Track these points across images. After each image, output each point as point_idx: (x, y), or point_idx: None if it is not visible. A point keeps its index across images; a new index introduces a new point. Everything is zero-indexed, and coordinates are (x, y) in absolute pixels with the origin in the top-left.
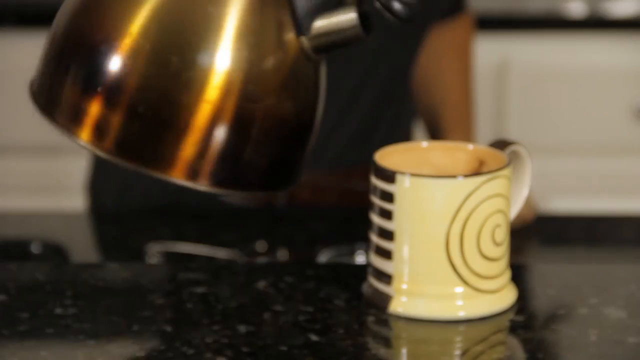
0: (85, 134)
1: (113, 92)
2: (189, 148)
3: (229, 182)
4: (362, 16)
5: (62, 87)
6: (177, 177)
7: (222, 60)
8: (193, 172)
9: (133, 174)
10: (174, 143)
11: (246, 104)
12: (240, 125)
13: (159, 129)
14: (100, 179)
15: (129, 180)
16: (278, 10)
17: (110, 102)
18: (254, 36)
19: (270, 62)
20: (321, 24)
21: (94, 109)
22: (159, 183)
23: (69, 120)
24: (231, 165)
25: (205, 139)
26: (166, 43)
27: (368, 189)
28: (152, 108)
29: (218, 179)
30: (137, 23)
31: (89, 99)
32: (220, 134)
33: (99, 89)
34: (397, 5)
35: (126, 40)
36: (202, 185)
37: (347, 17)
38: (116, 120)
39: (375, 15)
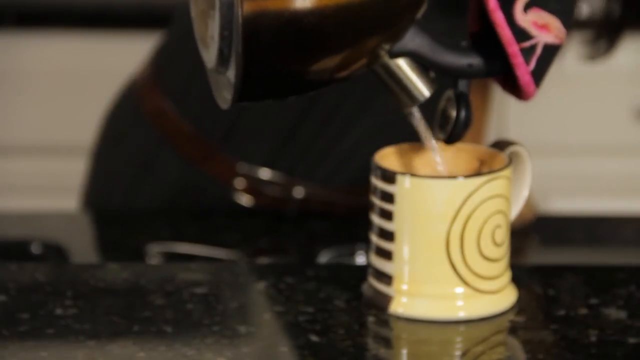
0: None
1: None
2: None
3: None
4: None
5: None
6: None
7: None
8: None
9: (140, 176)
10: None
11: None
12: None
13: None
14: (104, 183)
15: (136, 182)
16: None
17: None
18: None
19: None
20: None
21: None
22: (165, 182)
23: None
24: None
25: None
26: None
27: None
28: None
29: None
30: None
31: None
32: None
33: None
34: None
35: None
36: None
37: (421, 87)
38: None
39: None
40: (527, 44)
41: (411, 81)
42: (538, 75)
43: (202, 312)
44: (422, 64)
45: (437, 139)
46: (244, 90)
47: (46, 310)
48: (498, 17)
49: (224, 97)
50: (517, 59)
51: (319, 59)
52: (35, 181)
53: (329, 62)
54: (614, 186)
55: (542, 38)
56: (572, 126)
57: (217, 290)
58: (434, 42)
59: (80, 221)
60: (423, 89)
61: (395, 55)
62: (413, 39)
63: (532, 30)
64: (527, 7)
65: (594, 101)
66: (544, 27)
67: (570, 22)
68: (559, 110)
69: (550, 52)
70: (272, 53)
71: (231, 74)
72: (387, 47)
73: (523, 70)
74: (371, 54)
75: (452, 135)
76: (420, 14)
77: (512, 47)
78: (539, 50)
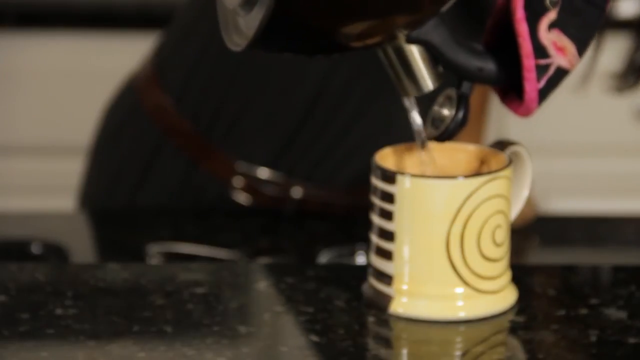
0: None
1: None
2: None
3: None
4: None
5: None
6: None
7: None
8: None
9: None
10: None
11: None
12: None
13: None
14: (102, 179)
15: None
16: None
17: None
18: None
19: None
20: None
21: None
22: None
23: None
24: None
25: None
26: None
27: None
28: None
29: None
30: None
31: None
32: None
33: None
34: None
35: None
36: None
37: (427, 78)
38: None
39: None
40: (543, 61)
41: (420, 70)
42: (543, 95)
43: (202, 312)
44: (434, 57)
45: (427, 135)
46: (261, 36)
47: (46, 310)
48: (523, 28)
49: (235, 42)
50: (531, 74)
51: (343, 21)
52: (35, 181)
53: (352, 28)
54: (614, 186)
55: (557, 60)
56: (572, 126)
57: (217, 290)
58: (451, 39)
59: (80, 221)
60: (428, 81)
61: (411, 41)
62: (432, 30)
63: (551, 50)
64: (550, 27)
65: (594, 101)
66: (561, 49)
67: (584, 52)
68: (559, 110)
69: (560, 75)
70: (302, 2)
71: (255, 15)
72: (406, 31)
73: (532, 86)
74: (391, 32)
75: (444, 133)
76: (445, 7)
77: (529, 61)
78: (551, 71)
